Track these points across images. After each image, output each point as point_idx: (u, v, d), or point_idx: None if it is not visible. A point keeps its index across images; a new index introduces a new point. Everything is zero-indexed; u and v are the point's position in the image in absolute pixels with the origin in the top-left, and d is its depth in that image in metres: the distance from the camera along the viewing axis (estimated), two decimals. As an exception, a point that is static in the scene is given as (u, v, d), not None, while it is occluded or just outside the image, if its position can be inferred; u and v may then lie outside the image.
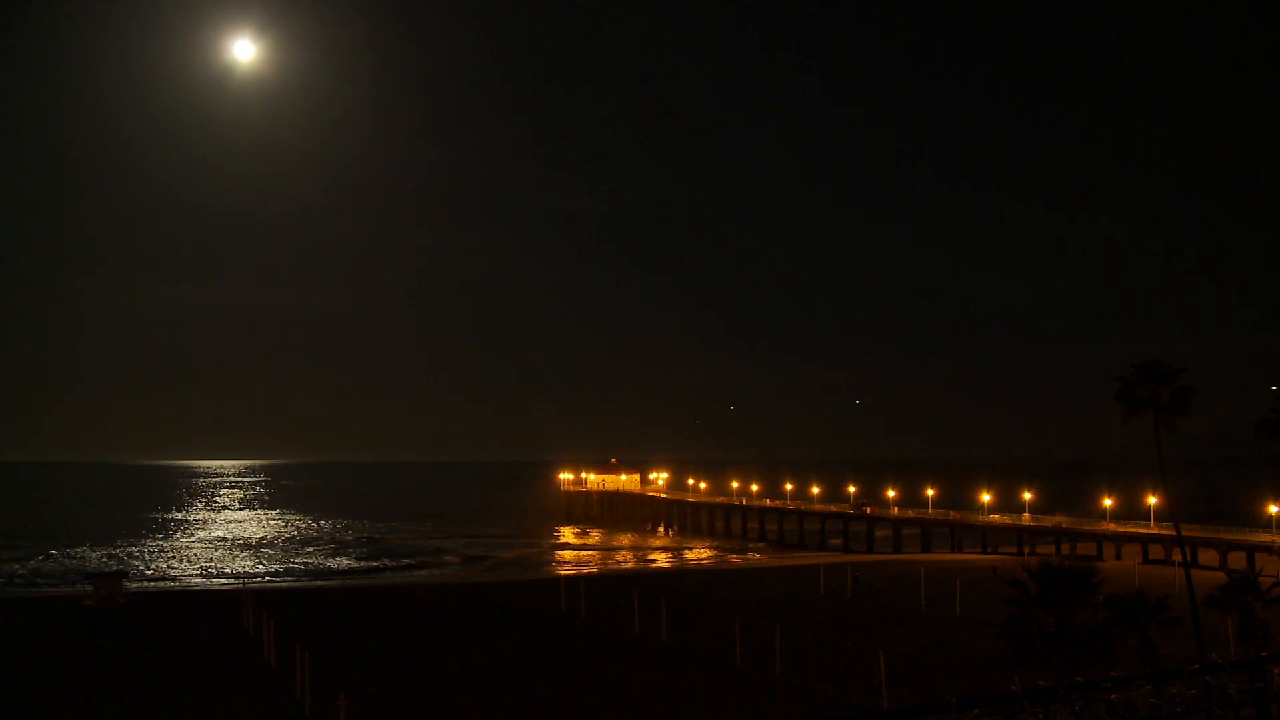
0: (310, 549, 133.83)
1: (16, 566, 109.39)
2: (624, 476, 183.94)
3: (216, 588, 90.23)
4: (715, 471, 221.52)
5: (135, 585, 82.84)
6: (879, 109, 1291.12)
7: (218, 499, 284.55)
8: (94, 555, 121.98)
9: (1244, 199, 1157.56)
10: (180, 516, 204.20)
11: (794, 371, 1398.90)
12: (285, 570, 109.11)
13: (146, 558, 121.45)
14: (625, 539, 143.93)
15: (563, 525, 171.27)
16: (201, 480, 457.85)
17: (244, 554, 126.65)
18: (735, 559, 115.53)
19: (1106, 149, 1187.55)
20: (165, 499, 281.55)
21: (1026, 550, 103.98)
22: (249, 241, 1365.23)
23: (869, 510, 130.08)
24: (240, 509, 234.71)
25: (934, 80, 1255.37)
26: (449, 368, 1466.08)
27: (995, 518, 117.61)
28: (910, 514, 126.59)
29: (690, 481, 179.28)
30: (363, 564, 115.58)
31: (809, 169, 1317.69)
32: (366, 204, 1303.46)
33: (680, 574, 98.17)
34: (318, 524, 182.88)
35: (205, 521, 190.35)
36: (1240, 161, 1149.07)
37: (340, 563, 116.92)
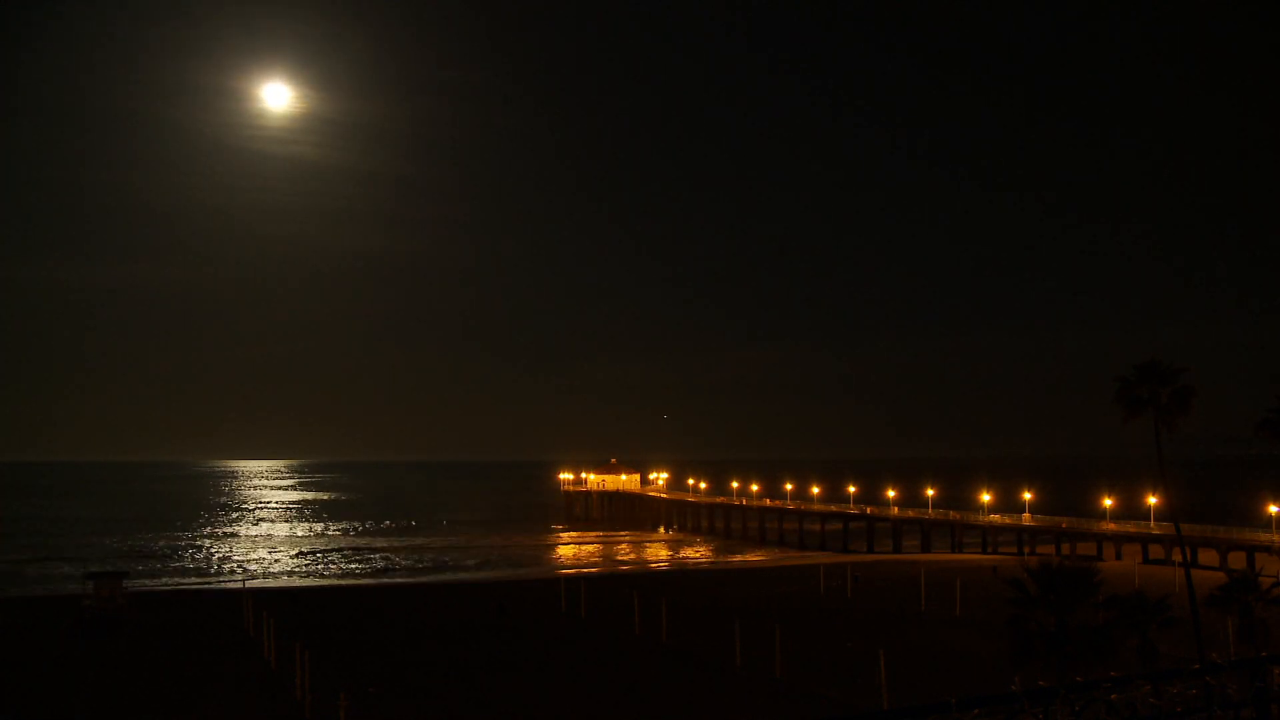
0: (310, 549, 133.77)
1: (16, 566, 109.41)
2: (624, 476, 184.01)
3: (216, 588, 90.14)
4: (715, 471, 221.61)
5: (135, 585, 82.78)
6: (883, 105, 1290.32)
7: (217, 499, 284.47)
8: (94, 555, 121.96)
9: (1244, 197, 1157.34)
10: (180, 516, 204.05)
11: (793, 365, 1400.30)
12: (285, 570, 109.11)
13: (146, 557, 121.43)
14: (625, 539, 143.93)
15: (563, 525, 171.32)
16: (202, 480, 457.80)
17: (243, 554, 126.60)
18: (735, 559, 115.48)
19: (1106, 147, 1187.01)
20: (166, 499, 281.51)
21: (1026, 550, 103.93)
22: (246, 237, 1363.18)
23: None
24: (239, 509, 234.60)
25: (939, 79, 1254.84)
26: (447, 368, 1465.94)
27: (995, 518, 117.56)
28: (910, 514, 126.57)
29: (690, 481, 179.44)
30: (363, 564, 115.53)
31: (811, 162, 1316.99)
32: (376, 210, 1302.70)
33: (680, 574, 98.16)
34: (317, 524, 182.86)
35: (205, 522, 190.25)
36: (1239, 159, 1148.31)
37: (340, 563, 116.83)
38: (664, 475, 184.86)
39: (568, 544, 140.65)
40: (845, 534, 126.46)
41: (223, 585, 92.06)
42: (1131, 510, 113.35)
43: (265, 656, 46.63)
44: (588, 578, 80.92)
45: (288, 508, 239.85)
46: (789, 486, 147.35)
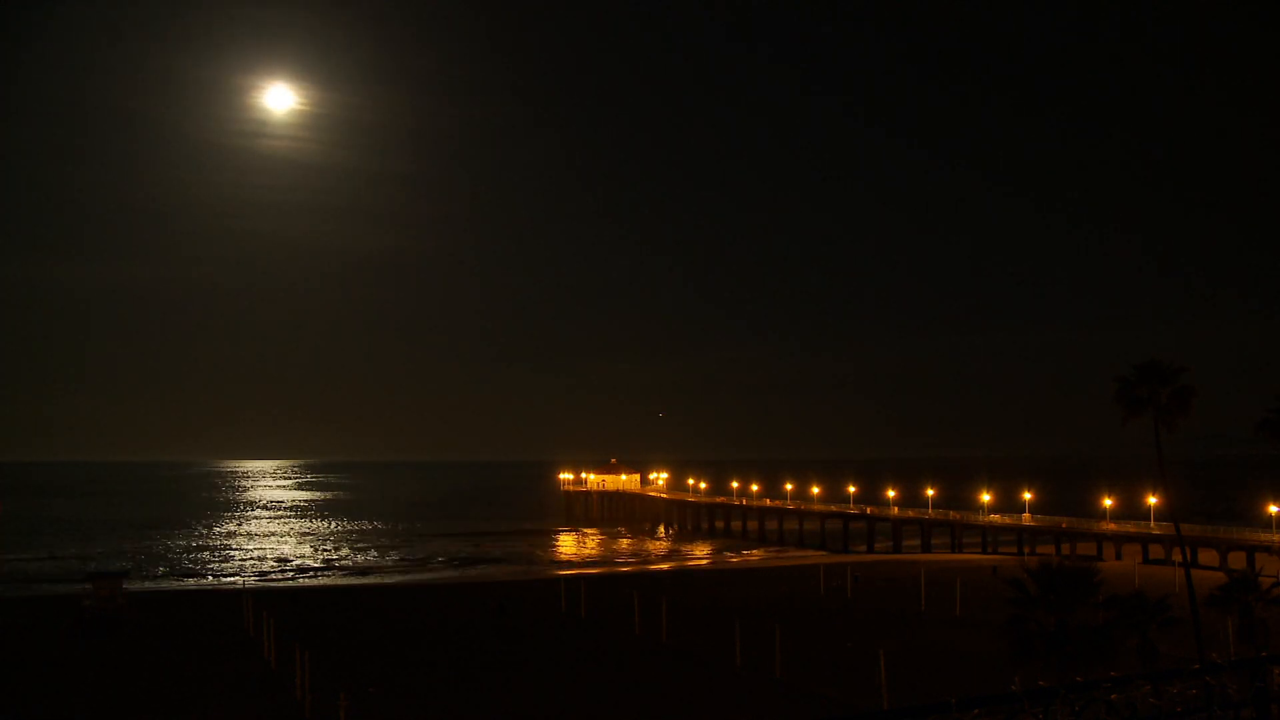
0: (311, 549, 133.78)
1: (17, 566, 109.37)
2: (624, 476, 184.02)
3: (216, 588, 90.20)
4: (715, 471, 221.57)
5: (135, 585, 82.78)
6: (884, 105, 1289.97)
7: (218, 499, 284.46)
8: (94, 555, 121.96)
9: (1244, 197, 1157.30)
10: (181, 517, 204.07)
11: (793, 365, 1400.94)
12: (286, 570, 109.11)
13: (147, 557, 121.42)
14: (625, 539, 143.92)
15: (563, 525, 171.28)
16: (203, 480, 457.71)
17: (244, 554, 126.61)
18: (735, 559, 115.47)
19: (1105, 147, 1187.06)
20: (167, 499, 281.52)
21: (1026, 550, 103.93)
22: (249, 235, 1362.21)
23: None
24: (240, 510, 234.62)
25: (939, 81, 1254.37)
26: (449, 367, 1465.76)
27: (995, 518, 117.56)
28: (910, 514, 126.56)
29: (690, 481, 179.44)
30: (363, 564, 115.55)
31: (811, 162, 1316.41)
32: (383, 213, 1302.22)
33: (680, 574, 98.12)
34: (318, 524, 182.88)
35: (205, 522, 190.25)
36: (1239, 159, 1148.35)
37: (341, 563, 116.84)
38: (664, 475, 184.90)
39: (568, 544, 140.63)
40: (845, 534, 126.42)
41: (223, 585, 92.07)
42: (1131, 510, 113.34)
43: (265, 656, 46.62)
44: (588, 578, 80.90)
45: (288, 508, 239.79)
46: (789, 486, 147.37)
